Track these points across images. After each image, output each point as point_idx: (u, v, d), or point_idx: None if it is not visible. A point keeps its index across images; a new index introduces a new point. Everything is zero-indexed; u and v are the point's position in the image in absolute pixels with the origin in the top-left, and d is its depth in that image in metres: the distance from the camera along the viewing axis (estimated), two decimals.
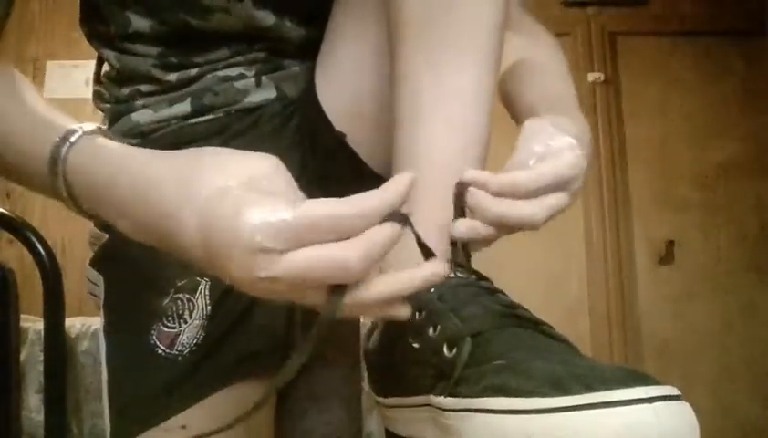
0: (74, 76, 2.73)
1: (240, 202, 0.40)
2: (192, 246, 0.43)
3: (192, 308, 0.62)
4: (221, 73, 0.73)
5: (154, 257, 0.64)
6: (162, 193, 0.44)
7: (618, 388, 0.37)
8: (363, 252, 0.39)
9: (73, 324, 1.58)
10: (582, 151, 0.54)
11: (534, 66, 0.70)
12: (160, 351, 0.61)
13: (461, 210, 0.51)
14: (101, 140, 0.50)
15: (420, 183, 0.51)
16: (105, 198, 0.48)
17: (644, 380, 0.38)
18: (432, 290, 0.49)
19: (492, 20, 0.56)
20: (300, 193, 0.44)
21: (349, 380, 0.82)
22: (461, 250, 0.52)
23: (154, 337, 0.62)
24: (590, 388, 0.38)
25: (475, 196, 0.50)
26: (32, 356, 1.49)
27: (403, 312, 0.44)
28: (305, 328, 0.65)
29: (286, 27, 0.73)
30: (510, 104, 0.70)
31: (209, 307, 0.62)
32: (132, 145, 0.54)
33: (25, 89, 0.55)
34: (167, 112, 0.73)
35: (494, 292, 0.50)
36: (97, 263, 0.73)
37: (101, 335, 0.68)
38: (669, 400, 0.38)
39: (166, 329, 0.62)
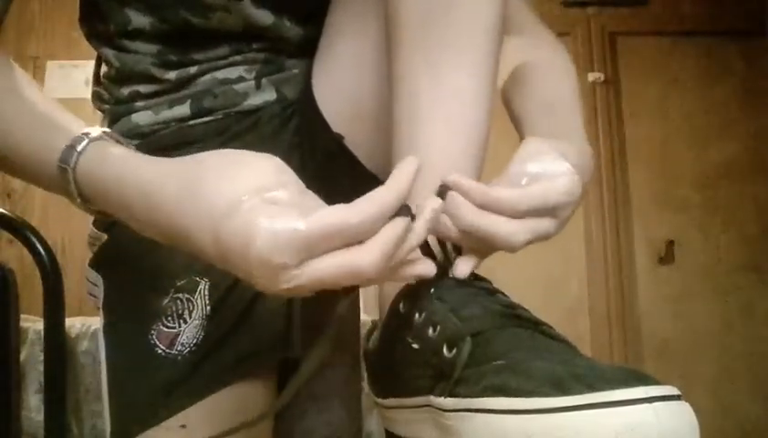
0: (74, 76, 2.73)
1: (251, 218, 0.41)
2: (206, 250, 0.44)
3: (191, 308, 0.62)
4: (220, 75, 0.73)
5: (154, 258, 0.64)
6: (172, 203, 0.45)
7: (619, 388, 0.37)
8: (378, 255, 0.41)
9: (73, 324, 1.57)
10: (579, 178, 0.52)
11: (535, 69, 0.69)
12: (159, 351, 0.61)
13: None
14: (107, 149, 0.51)
15: (419, 184, 0.52)
16: (117, 205, 0.50)
17: (644, 379, 0.38)
18: (432, 291, 0.49)
19: (491, 20, 0.56)
20: (308, 192, 0.45)
21: (349, 380, 0.81)
22: (451, 251, 0.52)
23: (154, 337, 0.62)
24: (590, 388, 0.38)
25: (454, 200, 0.49)
26: (32, 356, 1.49)
27: (428, 267, 0.46)
28: (304, 327, 0.65)
29: (285, 27, 0.73)
30: (510, 110, 0.69)
31: (208, 308, 0.62)
32: (133, 145, 0.54)
33: (25, 85, 0.55)
34: (167, 114, 0.73)
35: (494, 292, 0.50)
36: (96, 263, 0.73)
37: (101, 335, 0.68)
38: (669, 399, 0.38)
39: (166, 329, 0.62)
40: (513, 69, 0.70)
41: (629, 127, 2.92)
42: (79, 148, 0.50)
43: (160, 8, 0.70)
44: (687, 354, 2.78)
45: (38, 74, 2.76)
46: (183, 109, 0.73)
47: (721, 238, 2.87)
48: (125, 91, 0.74)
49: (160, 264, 0.64)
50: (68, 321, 1.14)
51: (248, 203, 0.42)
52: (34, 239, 1.06)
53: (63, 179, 0.51)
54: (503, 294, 0.50)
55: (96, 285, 0.72)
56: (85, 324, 1.59)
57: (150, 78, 0.73)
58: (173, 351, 0.61)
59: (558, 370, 0.40)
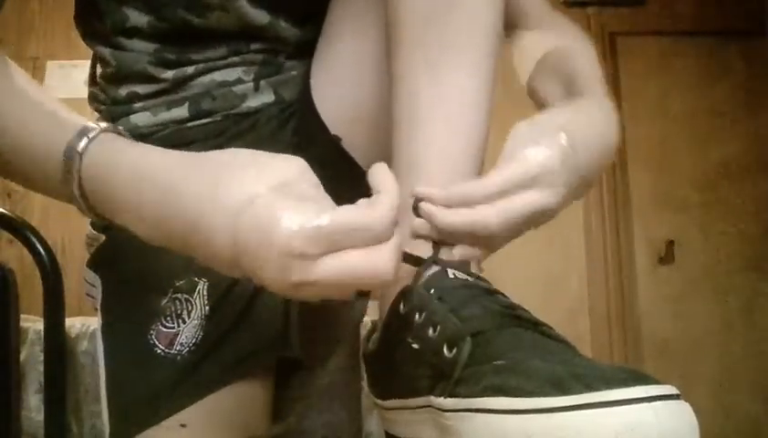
0: (74, 76, 2.73)
1: (273, 207, 0.41)
2: (221, 251, 0.43)
3: (190, 308, 0.62)
4: (218, 77, 0.73)
5: (152, 258, 0.64)
6: (189, 201, 0.45)
7: (618, 387, 0.37)
8: (394, 257, 0.42)
9: (73, 324, 1.57)
10: (565, 144, 0.52)
11: (559, 52, 0.69)
12: (159, 351, 0.61)
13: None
14: (120, 140, 0.50)
15: (418, 183, 0.52)
16: (123, 200, 0.48)
17: (644, 379, 0.38)
18: (432, 291, 0.49)
19: (490, 21, 0.56)
20: (327, 197, 0.45)
21: (349, 380, 0.82)
22: (437, 251, 0.52)
23: (153, 337, 0.62)
24: (590, 387, 0.38)
25: (425, 209, 0.51)
26: (32, 356, 1.49)
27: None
28: (301, 327, 0.65)
29: (281, 27, 0.73)
30: (536, 100, 0.69)
31: (207, 308, 0.62)
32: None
33: (24, 83, 0.54)
34: (165, 116, 0.73)
35: (493, 293, 0.50)
36: (94, 264, 0.73)
37: (99, 336, 0.68)
38: (669, 399, 0.38)
39: (165, 329, 0.62)
40: (537, 62, 0.70)
41: (629, 127, 2.92)
42: (91, 135, 0.49)
43: (158, 6, 0.70)
44: (687, 354, 2.78)
45: (38, 74, 2.76)
46: (181, 111, 0.73)
47: (721, 238, 2.87)
48: (122, 92, 0.74)
49: (158, 264, 0.64)
50: (68, 321, 1.14)
51: (270, 196, 0.42)
52: (34, 239, 1.06)
53: (65, 173, 0.49)
54: (502, 294, 0.50)
55: (94, 285, 0.72)
56: (85, 324, 1.59)
57: (148, 78, 0.73)
58: (172, 351, 0.61)
59: (558, 369, 0.40)
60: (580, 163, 0.53)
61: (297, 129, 0.74)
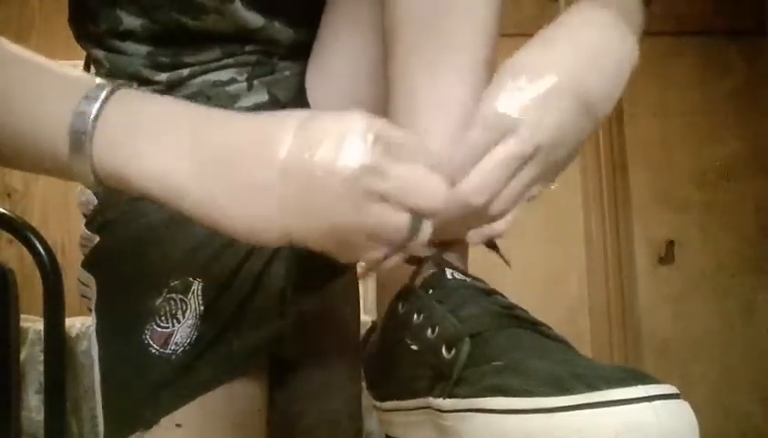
0: None
1: (348, 113, 0.42)
2: (276, 156, 0.41)
3: (184, 308, 0.62)
4: (212, 77, 0.73)
5: (146, 258, 0.64)
6: (245, 122, 0.44)
7: (618, 387, 0.37)
8: (445, 187, 0.43)
9: (73, 324, 1.57)
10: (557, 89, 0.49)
11: None
12: (153, 351, 0.61)
13: None
14: (145, 93, 0.48)
15: None
16: (155, 127, 0.44)
17: (643, 378, 0.38)
18: (431, 292, 0.49)
19: (487, 21, 0.56)
20: None
21: (349, 380, 0.82)
22: (439, 253, 0.52)
23: (147, 336, 0.62)
24: (590, 387, 0.38)
25: None
26: (32, 356, 1.49)
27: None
28: (298, 326, 0.65)
29: (276, 29, 0.73)
30: None
31: (201, 307, 0.62)
32: None
33: (20, 51, 0.53)
34: None
35: (491, 293, 0.50)
36: (88, 265, 0.73)
37: (93, 336, 0.68)
38: (669, 398, 0.38)
39: (159, 329, 0.62)
40: None
41: (629, 127, 2.92)
42: (111, 86, 0.46)
43: (151, 9, 0.70)
44: (687, 354, 2.78)
45: None
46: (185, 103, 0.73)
47: (720, 238, 2.87)
48: None
49: (152, 264, 0.64)
50: (68, 321, 1.14)
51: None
52: (34, 239, 1.06)
53: (78, 125, 0.44)
54: (500, 294, 0.50)
55: (88, 286, 0.72)
56: (85, 324, 1.59)
57: (142, 80, 0.73)
58: (167, 351, 0.61)
59: (558, 369, 0.40)
60: (581, 104, 0.50)
61: None
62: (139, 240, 0.65)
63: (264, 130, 0.43)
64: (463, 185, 0.49)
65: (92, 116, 0.44)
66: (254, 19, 0.71)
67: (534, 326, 0.47)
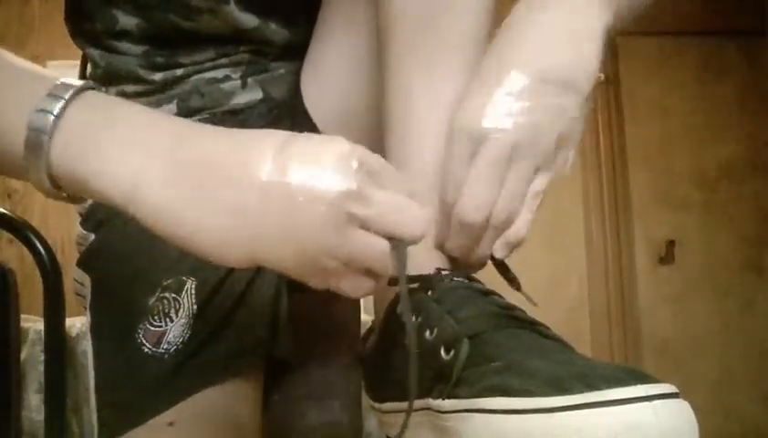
0: (74, 75, 2.73)
1: (325, 136, 0.41)
2: (259, 168, 0.39)
3: (177, 307, 0.62)
4: (207, 75, 0.74)
5: (140, 257, 0.64)
6: (221, 139, 0.42)
7: (618, 386, 0.37)
8: (427, 215, 0.42)
9: (73, 324, 1.58)
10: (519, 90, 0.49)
11: None
12: (146, 350, 0.61)
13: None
14: (115, 99, 0.45)
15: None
16: (125, 136, 0.42)
17: (643, 378, 0.38)
18: (429, 293, 0.49)
19: (482, 21, 0.56)
20: None
21: (349, 380, 0.81)
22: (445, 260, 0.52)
23: (140, 335, 0.61)
24: (590, 387, 0.38)
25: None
26: (32, 356, 1.49)
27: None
28: (294, 326, 0.65)
29: (270, 30, 0.73)
30: None
31: (195, 307, 0.62)
32: None
33: None
34: None
35: (489, 294, 0.50)
36: (83, 263, 0.73)
37: (88, 335, 0.68)
38: (669, 398, 0.38)
39: (152, 328, 0.62)
40: None
41: (630, 127, 2.92)
42: (77, 86, 0.43)
43: (146, 9, 0.70)
44: (687, 354, 2.78)
45: None
46: (170, 109, 0.73)
47: (721, 238, 2.87)
48: (111, 91, 0.74)
49: (146, 263, 0.64)
50: (69, 321, 1.14)
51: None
52: (34, 239, 1.06)
53: (38, 125, 0.41)
54: (497, 295, 0.50)
55: (83, 284, 0.72)
56: (85, 324, 1.59)
57: (137, 79, 0.73)
58: (160, 350, 0.61)
59: (557, 369, 0.40)
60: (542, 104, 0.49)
61: (287, 128, 0.74)
62: (133, 239, 0.64)
63: (243, 148, 0.41)
64: (457, 207, 0.49)
65: (55, 113, 0.41)
66: (249, 20, 0.71)
67: (533, 326, 0.47)
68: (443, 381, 0.45)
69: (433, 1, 0.55)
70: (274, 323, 0.64)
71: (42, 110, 0.41)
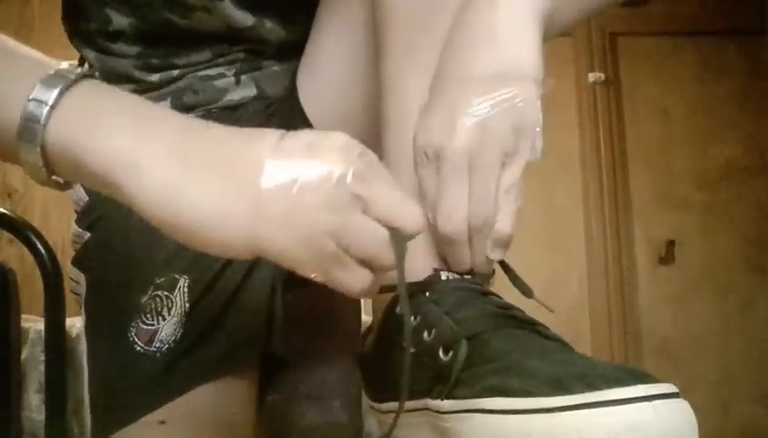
0: None
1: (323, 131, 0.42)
2: (260, 155, 0.40)
3: (170, 305, 0.62)
4: (200, 73, 0.74)
5: (134, 256, 0.64)
6: (221, 132, 0.43)
7: (618, 386, 0.37)
8: (423, 214, 0.43)
9: (74, 324, 1.58)
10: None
11: None
12: (138, 348, 0.61)
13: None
14: (113, 88, 0.45)
15: (405, 183, 0.52)
16: (116, 122, 0.41)
17: (643, 378, 0.38)
18: (428, 294, 0.49)
19: None
20: None
21: (349, 380, 0.81)
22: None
23: (133, 334, 0.62)
24: (590, 387, 0.38)
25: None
26: (33, 356, 1.49)
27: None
28: (291, 325, 0.65)
29: (266, 28, 0.73)
30: None
31: (187, 305, 0.62)
32: None
33: None
34: None
35: (486, 294, 0.50)
36: (78, 261, 0.73)
37: (83, 333, 0.68)
38: (669, 398, 0.38)
39: (145, 326, 0.62)
40: None
41: (630, 127, 2.92)
42: (78, 72, 0.43)
43: (140, 7, 0.70)
44: (687, 354, 2.78)
45: None
46: (164, 106, 0.73)
47: (721, 238, 2.87)
48: None
49: (140, 261, 0.64)
50: (69, 321, 1.14)
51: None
52: (34, 239, 1.06)
53: (31, 112, 0.40)
54: (495, 295, 0.50)
55: (78, 283, 0.72)
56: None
57: (133, 80, 0.73)
58: (152, 348, 0.61)
59: (557, 369, 0.40)
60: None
61: (282, 125, 0.74)
62: (127, 237, 0.65)
63: (246, 133, 0.42)
64: (439, 228, 0.49)
65: (53, 97, 0.41)
66: (244, 18, 0.71)
67: (532, 325, 0.47)
68: (442, 382, 0.45)
69: (429, 0, 0.55)
70: (269, 321, 0.64)
71: (35, 100, 0.41)
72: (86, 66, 0.78)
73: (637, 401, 0.37)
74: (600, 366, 0.40)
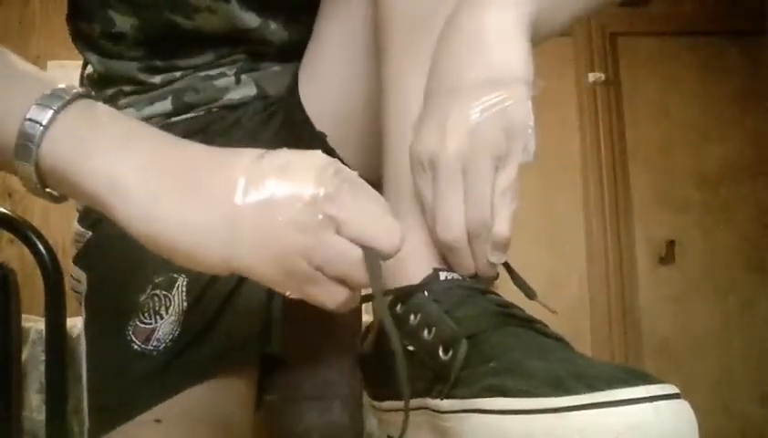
0: (75, 76, 2.72)
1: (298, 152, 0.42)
2: (236, 175, 0.40)
3: (168, 304, 0.62)
4: (201, 73, 0.74)
5: (134, 255, 0.64)
6: (198, 155, 0.43)
7: (619, 387, 0.37)
8: (401, 231, 0.42)
9: (74, 324, 1.58)
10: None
11: None
12: (135, 346, 0.61)
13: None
14: (105, 107, 0.45)
15: (406, 183, 0.52)
16: (104, 143, 0.42)
17: (644, 378, 0.38)
18: (427, 293, 0.49)
19: None
20: None
21: (349, 380, 0.82)
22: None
23: (130, 332, 0.62)
24: (591, 387, 0.38)
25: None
26: (33, 356, 1.49)
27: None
28: (290, 325, 0.65)
29: (270, 30, 0.73)
30: None
31: (185, 304, 0.62)
32: None
33: None
34: (149, 111, 0.74)
35: (485, 292, 0.50)
36: (79, 260, 0.73)
37: (83, 331, 0.69)
38: (670, 398, 0.38)
39: (142, 325, 0.62)
40: None
41: (630, 127, 2.92)
42: (73, 92, 0.43)
43: (144, 8, 0.70)
44: (687, 354, 2.78)
45: None
46: (165, 105, 0.74)
47: (721, 238, 2.87)
48: (108, 92, 0.75)
49: (139, 260, 0.63)
50: (70, 321, 1.14)
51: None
52: (35, 239, 1.06)
53: (27, 132, 0.41)
54: (495, 294, 0.50)
55: (79, 281, 0.73)
56: None
57: (135, 82, 0.74)
58: (149, 347, 0.61)
59: (557, 369, 0.40)
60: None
61: (282, 124, 0.74)
62: (128, 237, 0.65)
63: (222, 153, 0.42)
64: (439, 236, 0.50)
65: (44, 123, 0.42)
66: (250, 19, 0.71)
67: (531, 324, 0.47)
68: (442, 382, 0.45)
69: (430, 1, 0.55)
70: (266, 321, 0.64)
71: (30, 120, 0.41)
72: (89, 67, 0.78)
73: (638, 402, 0.37)
74: (600, 366, 0.40)
